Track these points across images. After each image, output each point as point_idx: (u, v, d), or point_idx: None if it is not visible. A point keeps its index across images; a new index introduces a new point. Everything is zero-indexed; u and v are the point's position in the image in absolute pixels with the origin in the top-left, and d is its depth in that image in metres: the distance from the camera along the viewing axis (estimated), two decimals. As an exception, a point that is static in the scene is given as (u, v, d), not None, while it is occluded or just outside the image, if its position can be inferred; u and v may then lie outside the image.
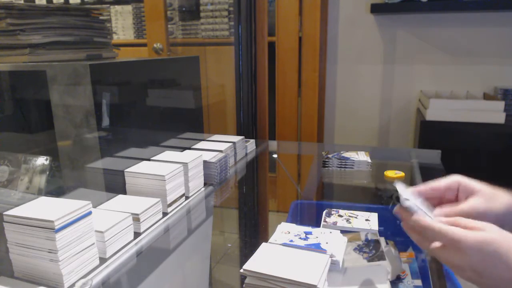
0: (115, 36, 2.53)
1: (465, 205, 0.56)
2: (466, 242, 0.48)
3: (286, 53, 2.03)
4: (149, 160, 1.01)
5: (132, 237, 0.77)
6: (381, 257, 0.69)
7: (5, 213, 0.63)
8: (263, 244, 0.70)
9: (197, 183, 1.02)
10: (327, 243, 0.70)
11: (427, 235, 0.53)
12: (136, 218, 0.79)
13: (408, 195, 0.58)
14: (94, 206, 0.79)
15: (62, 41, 0.99)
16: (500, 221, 0.56)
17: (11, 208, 0.64)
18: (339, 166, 1.25)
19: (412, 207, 0.55)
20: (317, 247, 0.68)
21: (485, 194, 0.57)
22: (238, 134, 1.39)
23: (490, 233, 0.48)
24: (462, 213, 0.55)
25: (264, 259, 0.64)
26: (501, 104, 1.62)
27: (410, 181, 1.17)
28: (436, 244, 0.51)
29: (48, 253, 0.61)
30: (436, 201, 0.60)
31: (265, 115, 1.76)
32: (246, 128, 1.68)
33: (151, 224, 0.83)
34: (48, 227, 0.60)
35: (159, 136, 1.09)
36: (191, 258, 0.87)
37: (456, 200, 0.60)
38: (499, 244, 0.47)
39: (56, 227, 0.60)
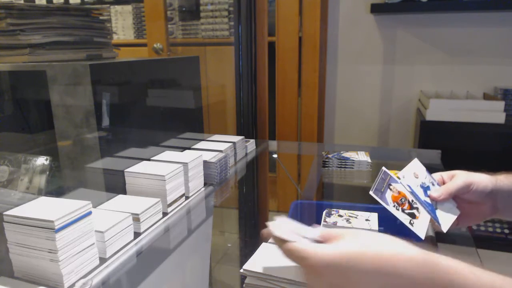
0: (115, 36, 2.53)
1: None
2: (316, 260, 0.44)
3: (286, 53, 2.03)
4: (149, 160, 1.01)
5: (132, 237, 0.77)
6: (381, 257, 0.69)
7: (5, 213, 0.63)
8: (263, 244, 0.70)
9: (197, 183, 1.02)
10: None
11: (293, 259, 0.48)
12: (136, 218, 0.79)
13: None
14: (94, 206, 0.79)
15: (62, 41, 0.99)
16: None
17: (11, 208, 0.64)
18: (339, 166, 1.25)
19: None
20: None
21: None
22: (238, 134, 1.39)
23: (342, 247, 0.44)
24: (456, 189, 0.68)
25: (264, 259, 0.64)
26: (501, 104, 1.62)
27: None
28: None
29: (48, 253, 0.61)
30: None
31: (265, 115, 1.76)
32: (246, 128, 1.68)
33: (151, 224, 0.83)
34: (48, 227, 0.60)
35: (159, 136, 1.09)
36: (191, 258, 0.87)
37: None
38: (350, 259, 0.43)
39: (56, 227, 0.60)
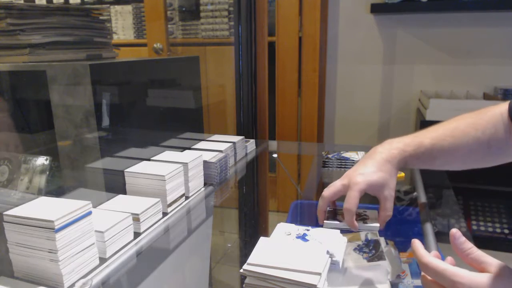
0: (115, 36, 2.53)
1: None
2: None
3: (286, 53, 2.03)
4: (149, 160, 1.01)
5: (132, 237, 0.77)
6: (381, 257, 0.69)
7: (5, 213, 0.63)
8: (262, 238, 0.69)
9: (197, 183, 1.02)
10: (327, 243, 0.70)
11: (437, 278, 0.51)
12: (136, 218, 0.79)
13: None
14: (94, 206, 0.79)
15: (62, 41, 0.99)
16: None
17: (11, 208, 0.64)
18: (339, 166, 1.25)
19: None
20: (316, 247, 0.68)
21: None
22: (238, 134, 1.38)
23: (498, 278, 0.47)
24: None
25: (264, 258, 0.64)
26: (501, 104, 1.62)
27: (410, 181, 1.17)
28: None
29: (48, 253, 0.61)
30: None
31: (265, 115, 1.76)
32: (246, 128, 1.68)
33: (151, 224, 0.83)
34: (48, 227, 0.60)
35: (159, 136, 1.09)
36: (191, 258, 0.87)
37: None
38: None
39: (56, 227, 0.60)
